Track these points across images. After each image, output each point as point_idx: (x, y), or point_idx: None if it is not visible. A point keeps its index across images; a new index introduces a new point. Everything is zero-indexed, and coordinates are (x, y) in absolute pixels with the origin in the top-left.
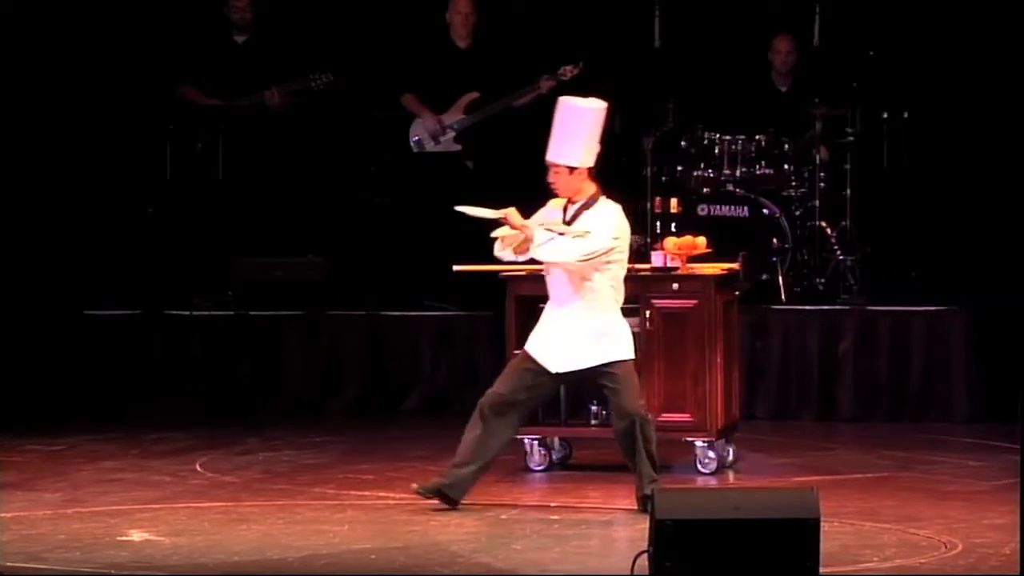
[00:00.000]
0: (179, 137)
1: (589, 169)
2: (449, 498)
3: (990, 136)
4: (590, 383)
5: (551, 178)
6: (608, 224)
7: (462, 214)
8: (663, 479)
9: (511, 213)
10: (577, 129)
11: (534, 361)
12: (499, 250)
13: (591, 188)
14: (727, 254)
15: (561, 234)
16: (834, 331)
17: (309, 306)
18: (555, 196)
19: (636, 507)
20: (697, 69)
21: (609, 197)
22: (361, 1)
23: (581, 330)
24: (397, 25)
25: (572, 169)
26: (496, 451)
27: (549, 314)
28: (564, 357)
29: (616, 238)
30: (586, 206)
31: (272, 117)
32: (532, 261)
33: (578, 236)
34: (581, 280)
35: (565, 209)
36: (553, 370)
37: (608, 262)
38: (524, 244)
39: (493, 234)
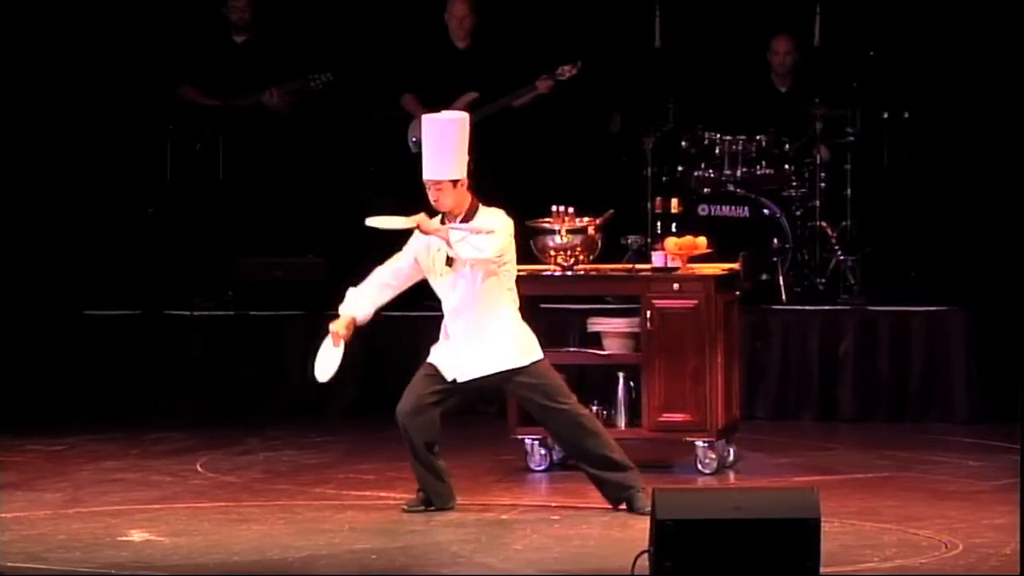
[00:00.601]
0: (179, 137)
1: (467, 180)
2: (439, 504)
3: (990, 136)
4: (501, 392)
5: (434, 196)
6: (502, 224)
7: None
8: (662, 479)
9: (423, 219)
10: (448, 142)
11: (436, 371)
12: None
13: (468, 198)
14: (727, 254)
15: (471, 232)
16: (834, 331)
17: (309, 306)
18: (435, 213)
19: (623, 507)
20: (697, 69)
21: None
22: (360, 1)
23: (482, 337)
24: (396, 25)
25: (455, 182)
26: (435, 451)
27: (450, 325)
28: (466, 366)
29: (511, 235)
30: (468, 217)
31: (272, 117)
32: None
33: (484, 232)
34: (481, 285)
35: (443, 222)
36: (449, 379)
37: (506, 262)
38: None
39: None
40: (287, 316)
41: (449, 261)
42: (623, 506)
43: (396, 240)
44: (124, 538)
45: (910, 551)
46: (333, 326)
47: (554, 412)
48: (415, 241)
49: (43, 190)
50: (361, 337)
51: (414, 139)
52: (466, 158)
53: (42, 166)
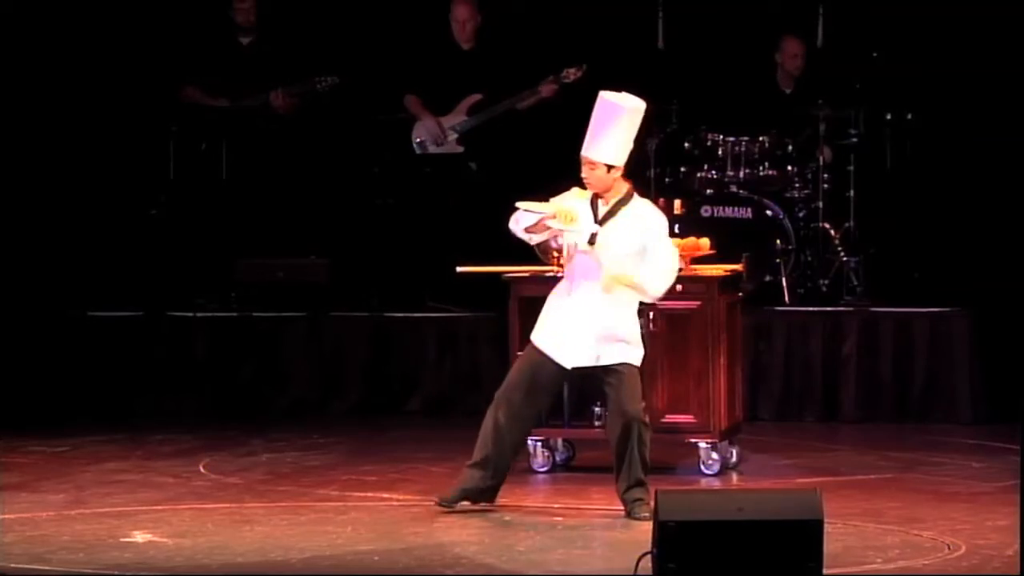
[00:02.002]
0: (183, 138)
1: (623, 167)
2: (482, 500)
3: (994, 137)
4: (593, 380)
5: (585, 174)
6: (664, 228)
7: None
8: (665, 480)
9: (567, 217)
10: (616, 127)
11: (546, 356)
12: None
13: (624, 186)
14: (730, 255)
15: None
16: (837, 332)
17: (312, 307)
18: (596, 192)
19: (624, 512)
20: (701, 70)
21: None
22: (364, 3)
23: (598, 326)
24: (400, 27)
25: (609, 167)
26: (512, 453)
27: (561, 303)
28: (581, 353)
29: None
30: (622, 202)
31: (276, 119)
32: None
33: (655, 263)
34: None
35: (594, 204)
36: (567, 366)
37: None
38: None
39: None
40: (290, 317)
41: (592, 239)
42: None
43: (396, 244)
44: (127, 539)
45: (913, 552)
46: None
47: (626, 414)
48: (564, 199)
49: (46, 191)
50: (364, 338)
51: (418, 140)
52: (630, 147)
53: (45, 167)
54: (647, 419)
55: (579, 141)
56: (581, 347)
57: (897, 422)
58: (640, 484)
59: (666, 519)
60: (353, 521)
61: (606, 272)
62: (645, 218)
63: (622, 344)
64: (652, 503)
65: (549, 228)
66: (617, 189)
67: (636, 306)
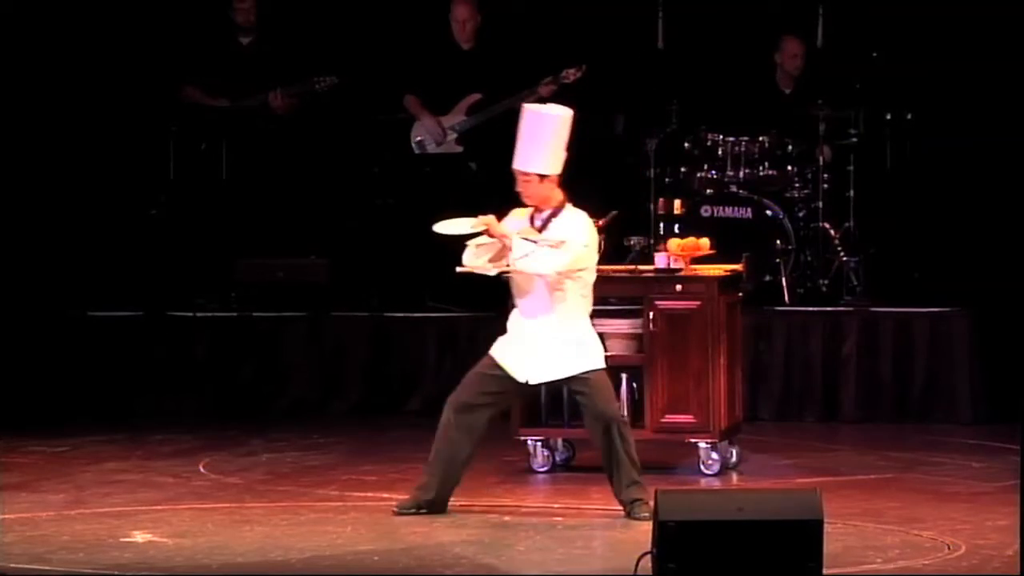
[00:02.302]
0: (183, 138)
1: (558, 177)
2: (433, 509)
3: (993, 137)
4: (557, 391)
5: (520, 187)
6: (581, 232)
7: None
8: (665, 480)
9: (492, 222)
10: (545, 136)
11: (500, 368)
12: (470, 259)
13: (559, 196)
14: (730, 255)
15: (535, 243)
16: (837, 332)
17: (312, 307)
18: (522, 205)
19: (624, 513)
20: (700, 70)
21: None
22: (364, 3)
23: (552, 340)
24: (399, 27)
25: (543, 177)
26: (464, 459)
27: (518, 322)
28: (533, 368)
29: (587, 245)
30: (554, 214)
31: (275, 119)
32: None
33: (553, 246)
34: (553, 289)
35: (532, 218)
36: (521, 380)
37: (579, 270)
38: (501, 254)
39: (470, 242)
40: (290, 317)
41: None
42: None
43: (396, 244)
44: (127, 539)
45: (913, 552)
46: (494, 223)
47: (602, 418)
48: (507, 222)
49: (47, 191)
50: (364, 338)
51: (417, 140)
52: (562, 155)
53: (46, 167)
54: (625, 417)
55: (579, 140)
56: (538, 362)
57: (897, 422)
58: (635, 483)
59: (666, 519)
60: (353, 521)
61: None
62: (568, 225)
63: (580, 351)
64: (651, 502)
65: (485, 243)
66: (552, 200)
67: (586, 311)
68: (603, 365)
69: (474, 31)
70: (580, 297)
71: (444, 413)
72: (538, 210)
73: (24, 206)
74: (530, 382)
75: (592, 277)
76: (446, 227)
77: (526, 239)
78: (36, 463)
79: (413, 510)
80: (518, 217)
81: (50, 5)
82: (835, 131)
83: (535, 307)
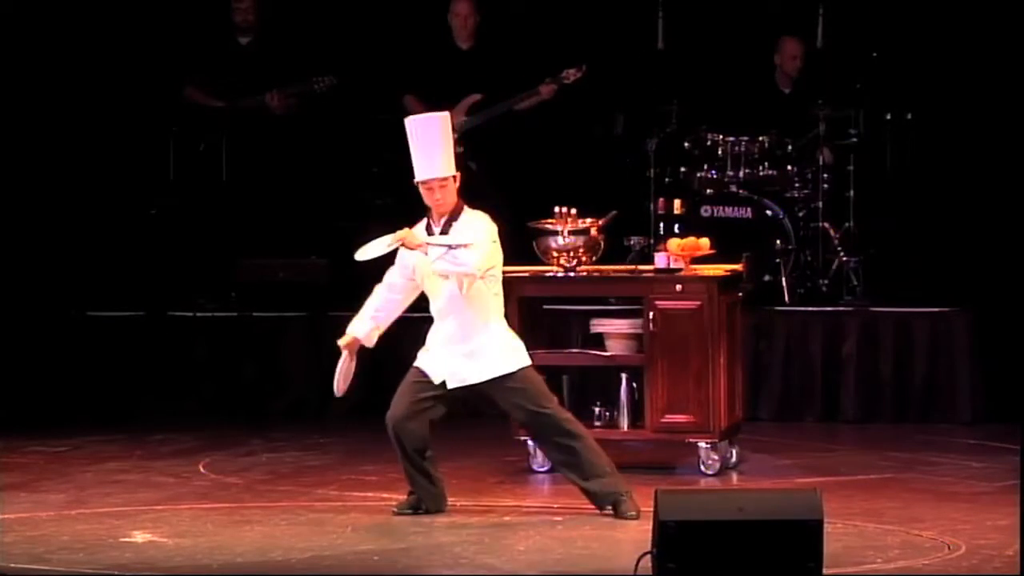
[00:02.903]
0: (183, 138)
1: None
2: (430, 509)
3: (994, 137)
4: (488, 398)
5: (438, 195)
6: (485, 231)
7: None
8: (665, 480)
9: (407, 235)
10: (439, 139)
11: (425, 376)
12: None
13: (456, 198)
14: (730, 255)
15: (450, 247)
16: (837, 332)
17: (312, 307)
18: (429, 216)
19: (610, 512)
20: (700, 70)
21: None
22: (363, 3)
23: (469, 342)
24: (399, 26)
25: (453, 179)
26: (422, 461)
27: (437, 329)
28: (456, 372)
29: (494, 242)
30: (453, 218)
31: (275, 119)
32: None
33: (462, 246)
34: (466, 291)
35: (429, 228)
36: (447, 384)
37: (490, 268)
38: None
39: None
40: (290, 317)
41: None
42: (609, 510)
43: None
44: (127, 539)
45: (913, 552)
46: (340, 342)
47: (538, 416)
48: (400, 257)
49: (47, 190)
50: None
51: None
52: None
53: (46, 166)
54: (567, 412)
55: (579, 140)
56: (457, 367)
57: (897, 422)
58: (605, 475)
59: (666, 519)
60: (353, 521)
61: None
62: (471, 226)
63: (501, 352)
64: (632, 494)
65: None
66: (454, 204)
67: (500, 311)
68: (527, 363)
69: (473, 30)
70: (492, 296)
71: (389, 430)
72: (435, 219)
73: (24, 206)
74: (448, 385)
75: (500, 274)
76: (366, 252)
77: (432, 244)
78: (36, 463)
79: (411, 511)
80: (401, 235)
81: (50, 5)
82: (835, 131)
83: (448, 311)
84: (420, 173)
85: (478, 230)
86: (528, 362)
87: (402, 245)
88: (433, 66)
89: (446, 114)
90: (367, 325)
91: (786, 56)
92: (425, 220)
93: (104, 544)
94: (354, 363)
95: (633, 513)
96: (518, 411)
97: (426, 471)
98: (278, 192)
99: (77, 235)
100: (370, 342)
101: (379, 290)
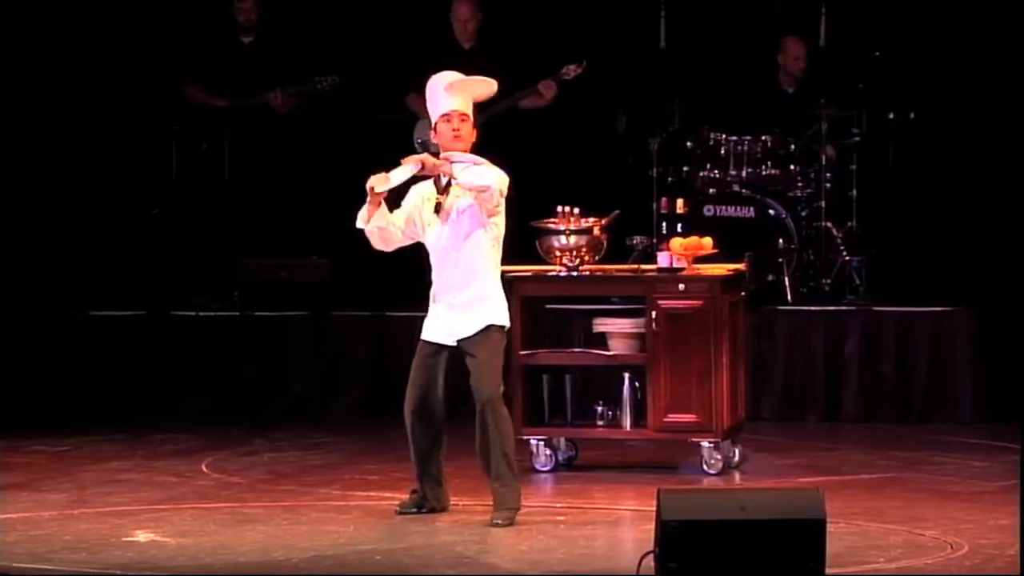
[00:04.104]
0: (184, 137)
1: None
2: (434, 508)
3: (996, 137)
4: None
5: (457, 127)
6: (497, 168)
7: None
8: (667, 480)
9: (426, 157)
10: (461, 83)
11: (432, 345)
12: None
13: (471, 142)
14: (733, 255)
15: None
16: (840, 332)
17: (314, 307)
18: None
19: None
20: (703, 69)
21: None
22: (365, 2)
23: (466, 292)
24: (401, 26)
25: (472, 125)
26: (431, 451)
27: (435, 283)
28: (457, 327)
29: (506, 178)
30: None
31: (278, 118)
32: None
33: (484, 166)
34: (467, 233)
35: (437, 181)
36: (452, 343)
37: (496, 210)
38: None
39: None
40: (292, 316)
41: (437, 209)
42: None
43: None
44: (129, 539)
45: (915, 552)
46: (427, 157)
47: (477, 392)
48: (408, 199)
49: (48, 190)
50: (366, 337)
51: (419, 140)
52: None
53: (47, 166)
54: (503, 405)
55: (581, 139)
56: (456, 321)
57: (899, 421)
58: (504, 485)
59: (668, 519)
60: (355, 520)
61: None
62: (484, 165)
63: (480, 308)
64: (515, 507)
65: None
66: (466, 148)
67: (497, 265)
68: (499, 322)
69: (475, 30)
70: (492, 246)
71: (406, 423)
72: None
73: (26, 206)
74: (454, 342)
75: (503, 226)
76: (386, 181)
77: (460, 160)
78: (38, 463)
79: (414, 510)
80: (423, 185)
81: (51, 5)
82: (838, 130)
83: (447, 254)
84: (443, 106)
85: (489, 166)
86: (505, 323)
87: (423, 166)
88: (435, 65)
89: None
90: (385, 213)
91: (789, 56)
92: (433, 178)
93: (106, 544)
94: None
95: (499, 522)
96: (472, 364)
97: (437, 466)
98: (280, 191)
99: (79, 234)
100: (369, 215)
101: (395, 215)
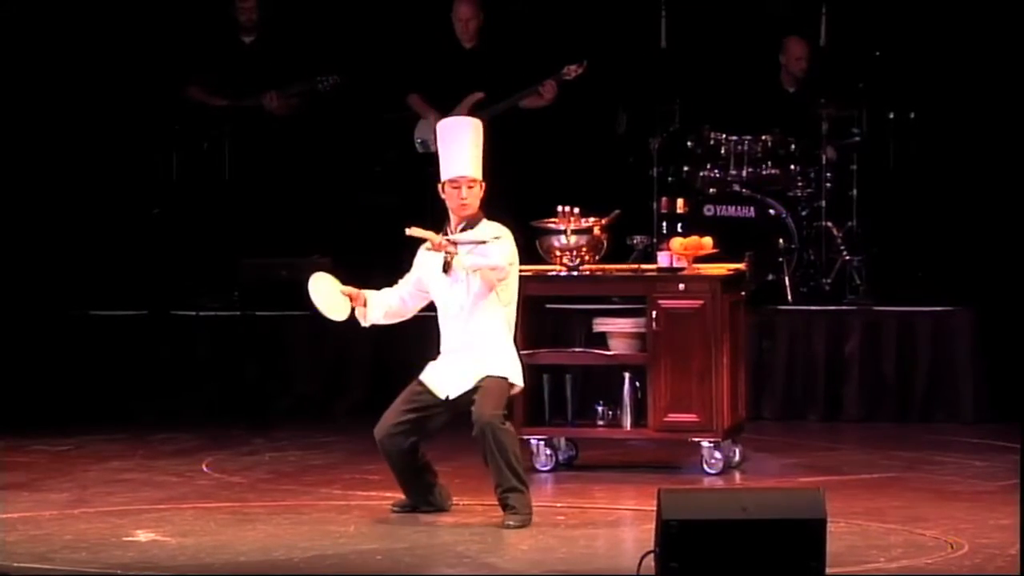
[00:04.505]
0: (185, 137)
1: None
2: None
3: (996, 136)
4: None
5: (465, 195)
6: (507, 233)
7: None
8: (668, 479)
9: (431, 236)
10: (470, 141)
11: (426, 389)
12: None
13: (478, 205)
14: (733, 254)
15: (476, 243)
16: (840, 331)
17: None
18: (446, 221)
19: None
20: (703, 69)
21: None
22: (366, 1)
23: (472, 347)
24: (402, 25)
25: (480, 185)
26: (417, 466)
27: (444, 340)
28: (458, 382)
29: (513, 244)
30: (471, 225)
31: (278, 118)
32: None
33: (486, 242)
34: (476, 292)
35: (445, 233)
36: (447, 396)
37: (505, 275)
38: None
39: None
40: (293, 316)
41: (445, 267)
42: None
43: (398, 243)
44: (130, 538)
45: (916, 551)
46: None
47: (477, 418)
48: (416, 261)
49: (49, 190)
50: (367, 337)
51: (420, 140)
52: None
53: (48, 166)
54: (505, 424)
55: (582, 139)
56: (455, 377)
57: (900, 421)
58: (512, 491)
59: (669, 518)
60: (356, 520)
61: (458, 264)
62: (491, 227)
63: (489, 362)
64: (527, 512)
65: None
66: (474, 211)
67: (510, 327)
68: (506, 375)
69: (476, 30)
70: (503, 307)
71: (377, 441)
72: (453, 225)
73: (26, 205)
74: (451, 397)
75: (515, 288)
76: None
77: (455, 242)
78: (39, 462)
79: (410, 508)
80: (424, 233)
81: (52, 5)
82: (838, 130)
83: (455, 311)
84: (450, 171)
85: (501, 231)
86: (520, 385)
87: (430, 244)
88: (436, 65)
89: (478, 121)
90: (378, 302)
91: (792, 56)
92: (443, 229)
93: (107, 543)
94: (344, 303)
95: (511, 523)
96: (473, 413)
97: (420, 474)
98: (281, 191)
99: (79, 234)
100: (362, 316)
101: (392, 292)
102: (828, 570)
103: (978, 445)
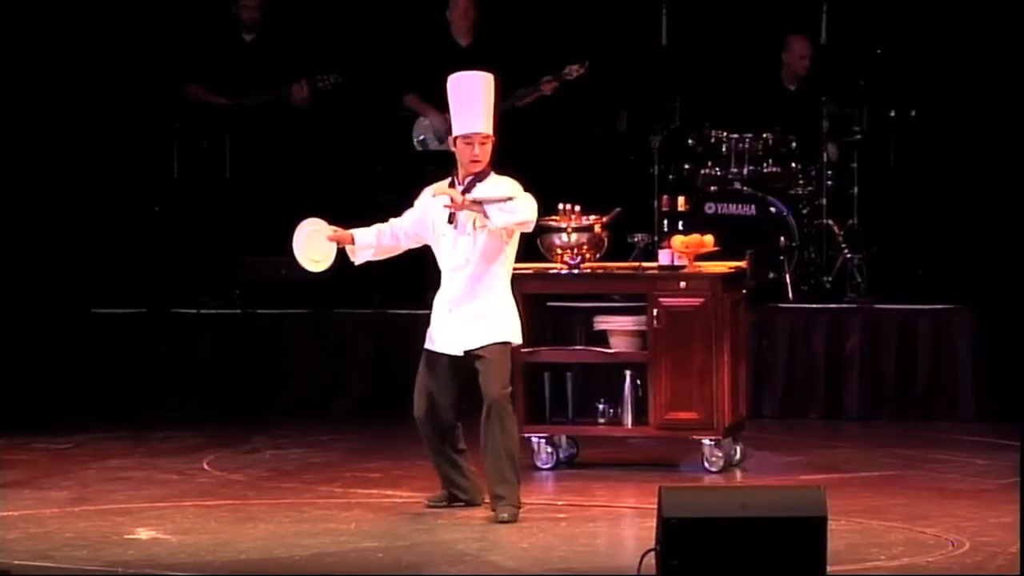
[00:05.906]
0: (186, 135)
1: None
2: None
3: (997, 134)
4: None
5: (478, 150)
6: (518, 185)
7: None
8: (668, 477)
9: (454, 195)
10: (483, 96)
11: (437, 355)
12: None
13: (488, 160)
14: (734, 252)
15: (500, 200)
16: (841, 329)
17: (316, 304)
18: (455, 175)
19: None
20: (704, 67)
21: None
22: (366, 1)
23: (475, 303)
24: (398, 23)
25: (492, 142)
26: (451, 453)
27: (444, 292)
28: (464, 337)
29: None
30: (479, 178)
31: (280, 116)
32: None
33: (509, 199)
34: (482, 245)
35: (452, 186)
36: (459, 352)
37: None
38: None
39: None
40: (293, 314)
41: (451, 219)
42: (486, 500)
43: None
44: (131, 536)
45: (917, 549)
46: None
47: (485, 395)
48: (421, 200)
49: (50, 188)
50: (368, 335)
51: (419, 137)
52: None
53: (49, 164)
54: (510, 405)
55: (583, 137)
56: (463, 332)
57: (900, 419)
58: (504, 481)
59: (670, 516)
60: (357, 518)
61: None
62: (503, 183)
63: (494, 322)
64: (516, 505)
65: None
66: (484, 166)
67: (509, 277)
68: (509, 339)
69: (472, 25)
70: (505, 259)
71: (419, 428)
72: (460, 178)
73: (27, 204)
74: (460, 353)
75: (516, 244)
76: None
77: (488, 200)
78: (40, 460)
79: (444, 503)
80: (442, 189)
81: (52, 4)
82: (839, 128)
83: (461, 266)
84: (463, 127)
85: (514, 184)
86: (514, 337)
87: (455, 206)
88: (432, 63)
89: (490, 76)
90: (369, 241)
91: (795, 55)
92: (449, 179)
93: (108, 541)
94: (328, 250)
95: (505, 516)
96: (480, 387)
97: (458, 465)
98: (281, 189)
99: (80, 232)
100: (352, 253)
101: (385, 229)
102: (829, 568)
103: (979, 443)
